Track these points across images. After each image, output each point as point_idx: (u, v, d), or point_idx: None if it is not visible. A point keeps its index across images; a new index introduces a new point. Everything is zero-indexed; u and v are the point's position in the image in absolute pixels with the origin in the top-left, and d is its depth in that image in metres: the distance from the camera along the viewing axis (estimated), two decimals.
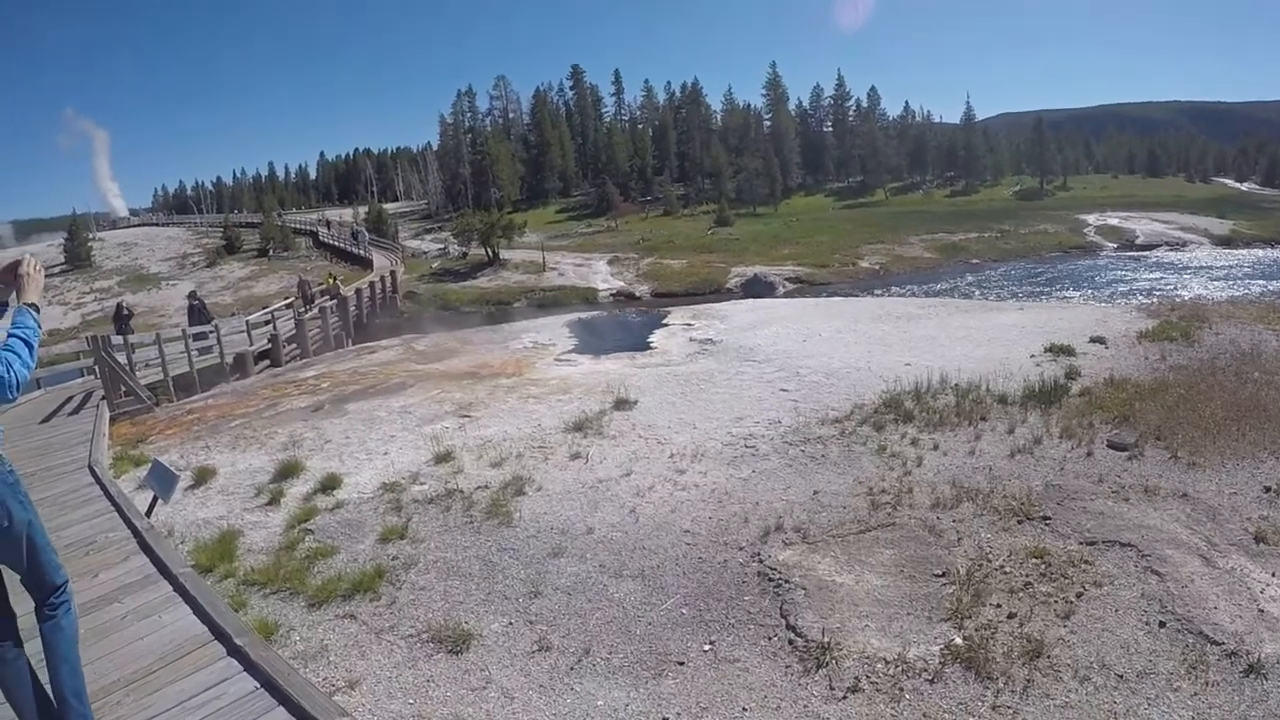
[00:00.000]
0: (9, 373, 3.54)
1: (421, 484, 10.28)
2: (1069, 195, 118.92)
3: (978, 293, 45.56)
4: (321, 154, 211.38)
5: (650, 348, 19.60)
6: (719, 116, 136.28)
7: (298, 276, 48.02)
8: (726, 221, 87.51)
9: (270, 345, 28.29)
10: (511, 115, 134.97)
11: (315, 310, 35.53)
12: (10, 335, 3.69)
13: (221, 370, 24.89)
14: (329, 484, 10.43)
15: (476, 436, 12.22)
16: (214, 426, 14.95)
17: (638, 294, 54.71)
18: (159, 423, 16.36)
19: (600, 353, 19.48)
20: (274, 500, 10.17)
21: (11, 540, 3.95)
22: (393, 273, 54.62)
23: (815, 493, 9.08)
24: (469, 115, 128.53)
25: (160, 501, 9.04)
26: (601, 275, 59.94)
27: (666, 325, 22.83)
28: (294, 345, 30.49)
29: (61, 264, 74.53)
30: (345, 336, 36.75)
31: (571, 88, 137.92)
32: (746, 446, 10.87)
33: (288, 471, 11.09)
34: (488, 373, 17.55)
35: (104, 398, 17.34)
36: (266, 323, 30.12)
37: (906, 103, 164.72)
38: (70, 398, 18.84)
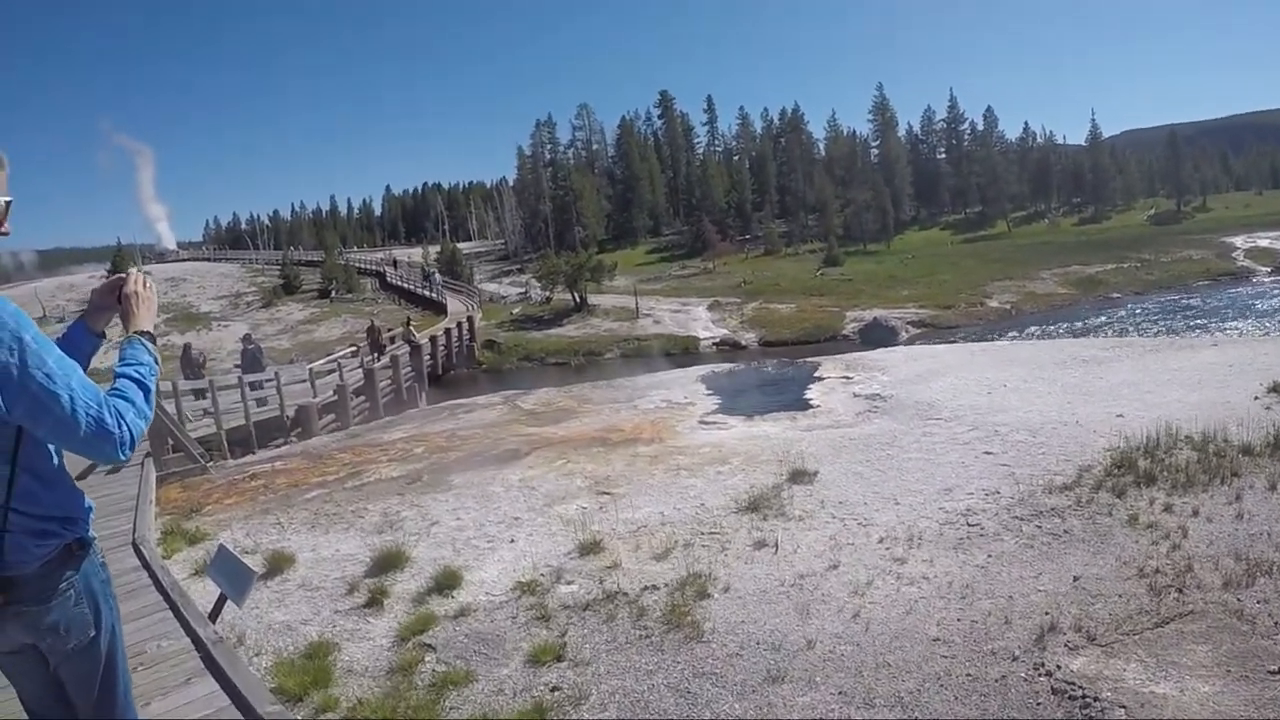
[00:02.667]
0: (120, 427, 2.78)
1: (569, 583, 8.78)
2: (1209, 217, 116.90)
3: (1133, 330, 44.74)
4: (387, 188, 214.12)
5: (810, 406, 18.24)
6: (822, 145, 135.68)
7: (369, 320, 47.53)
8: (836, 261, 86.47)
9: (336, 397, 27.52)
10: (595, 147, 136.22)
11: (386, 359, 34.85)
12: (119, 375, 2.98)
13: (281, 424, 24.06)
14: (446, 581, 8.94)
15: (625, 520, 10.75)
16: (286, 497, 13.73)
17: (743, 343, 53.60)
18: (215, 488, 15.26)
19: (752, 413, 18.10)
20: (374, 601, 8.71)
21: (90, 660, 3.15)
22: (470, 319, 54.49)
23: (1075, 579, 7.86)
24: (549, 147, 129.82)
25: (229, 602, 7.54)
26: (702, 322, 58.81)
27: (821, 379, 21.58)
28: (362, 398, 29.81)
29: None
30: (419, 389, 36.04)
31: (660, 116, 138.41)
32: (969, 525, 9.57)
33: (388, 562, 9.65)
34: (620, 438, 16.27)
35: (149, 454, 16.07)
36: (330, 372, 29.50)
37: (1026, 123, 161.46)
38: None
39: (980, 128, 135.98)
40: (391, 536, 10.76)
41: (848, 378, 21.11)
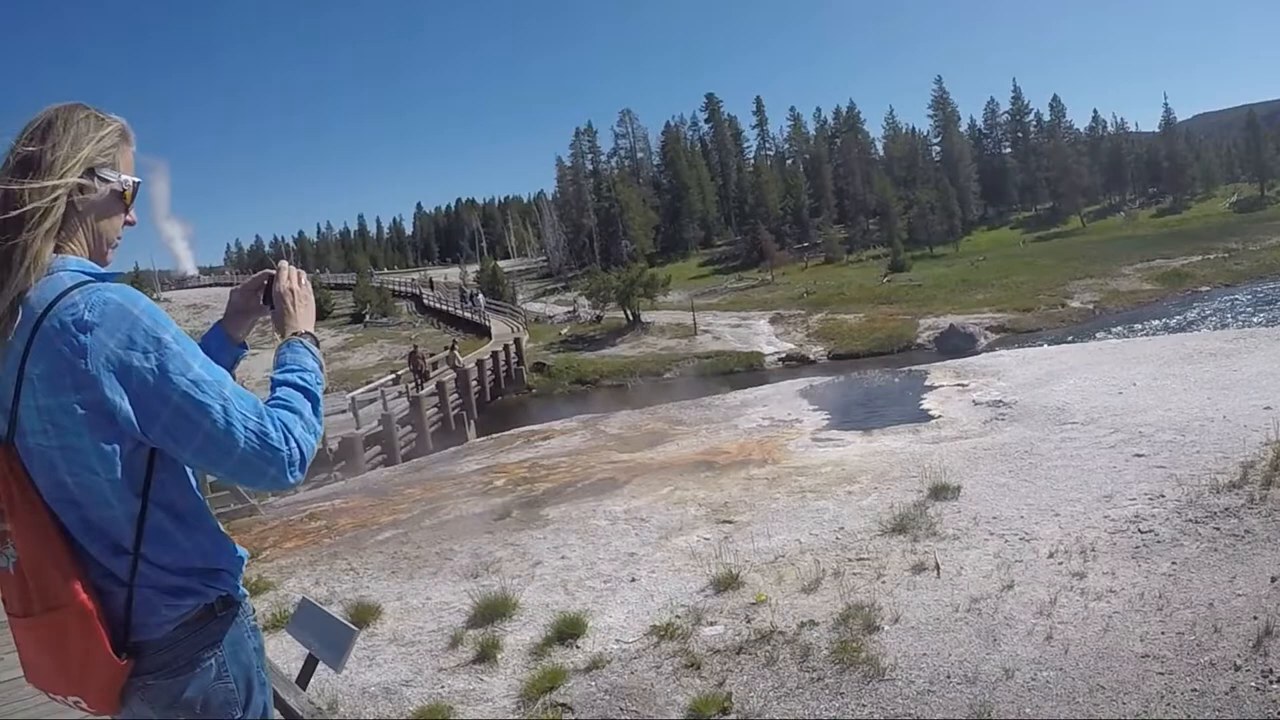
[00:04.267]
0: (287, 442, 2.35)
1: (712, 624, 8.10)
2: None
3: (1234, 321, 45.79)
4: (418, 206, 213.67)
5: (930, 417, 17.79)
6: (880, 145, 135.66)
7: (411, 345, 47.35)
8: (902, 266, 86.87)
9: (381, 428, 27.26)
10: (640, 155, 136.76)
11: (432, 386, 34.68)
12: (279, 383, 2.54)
13: (324, 458, 23.80)
14: (567, 629, 8.22)
15: (758, 550, 10.07)
16: (355, 539, 13.06)
17: (811, 356, 54.03)
18: (269, 530, 14.69)
19: (867, 427, 17.62)
20: (485, 655, 7.97)
21: None
22: (517, 340, 54.80)
23: (1273, 580, 7.46)
24: (590, 157, 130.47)
25: (321, 665, 6.73)
26: (765, 336, 59.02)
27: (934, 388, 21.11)
28: (409, 428, 29.74)
29: None
30: (467, 417, 35.79)
31: (707, 120, 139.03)
32: (1140, 532, 9.08)
33: (493, 610, 8.88)
34: (727, 460, 15.69)
35: None
36: (373, 400, 29.47)
37: (1095, 111, 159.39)
38: None
39: (1047, 118, 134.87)
40: (489, 580, 10.06)
41: (963, 385, 20.71)
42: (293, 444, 2.36)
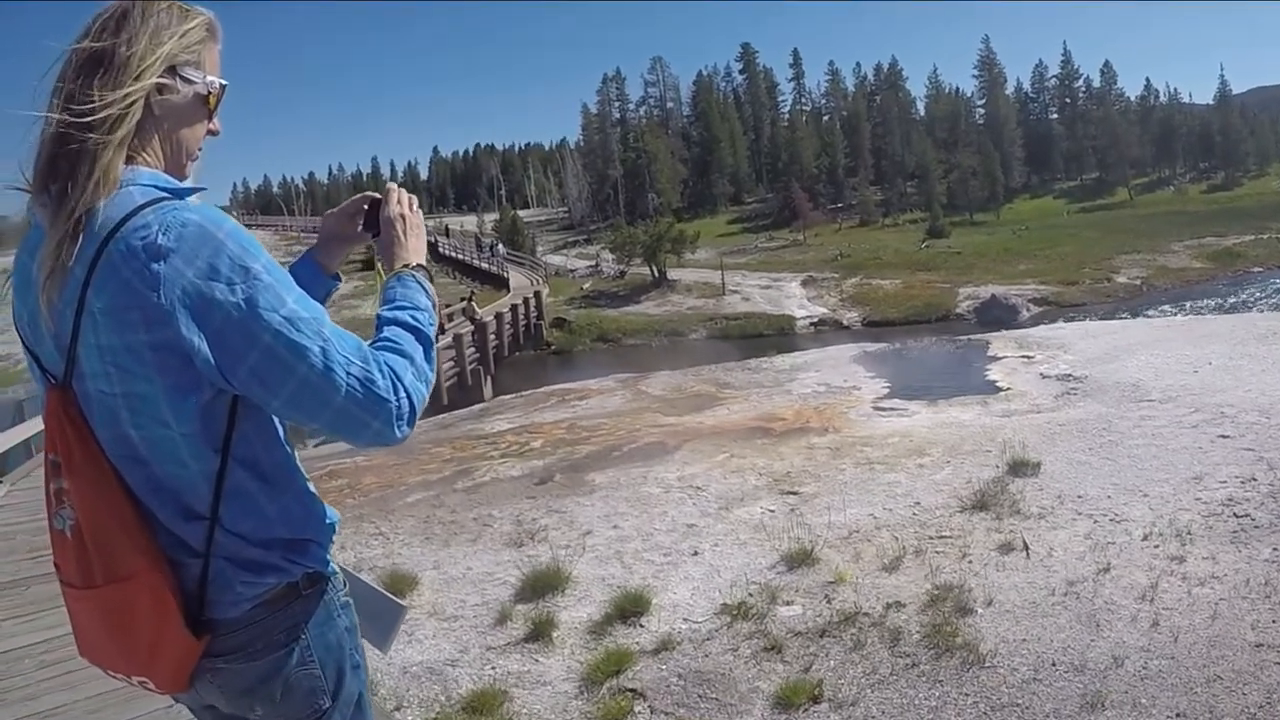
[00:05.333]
0: (395, 392, 2.04)
1: (789, 604, 7.80)
2: None
3: None
4: (435, 150, 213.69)
5: (997, 389, 17.73)
6: (922, 104, 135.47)
7: None
8: (940, 232, 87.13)
9: None
10: (670, 105, 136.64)
11: (448, 339, 34.47)
12: (386, 322, 2.22)
13: None
14: (629, 606, 7.83)
15: (829, 525, 9.76)
16: (381, 500, 12.76)
17: (845, 322, 54.37)
18: None
19: (931, 397, 17.49)
20: (539, 634, 7.56)
21: None
22: (537, 293, 54.42)
23: None
24: (618, 105, 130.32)
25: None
26: (796, 300, 59.22)
27: (997, 359, 21.10)
28: None
29: None
30: (484, 373, 35.53)
31: (741, 71, 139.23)
32: (1236, 516, 8.94)
33: (543, 583, 8.47)
34: (783, 427, 15.48)
35: None
36: None
37: (1147, 80, 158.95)
38: None
39: (1097, 85, 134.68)
40: (535, 550, 9.70)
41: (1028, 357, 20.70)
42: (402, 393, 2.09)
